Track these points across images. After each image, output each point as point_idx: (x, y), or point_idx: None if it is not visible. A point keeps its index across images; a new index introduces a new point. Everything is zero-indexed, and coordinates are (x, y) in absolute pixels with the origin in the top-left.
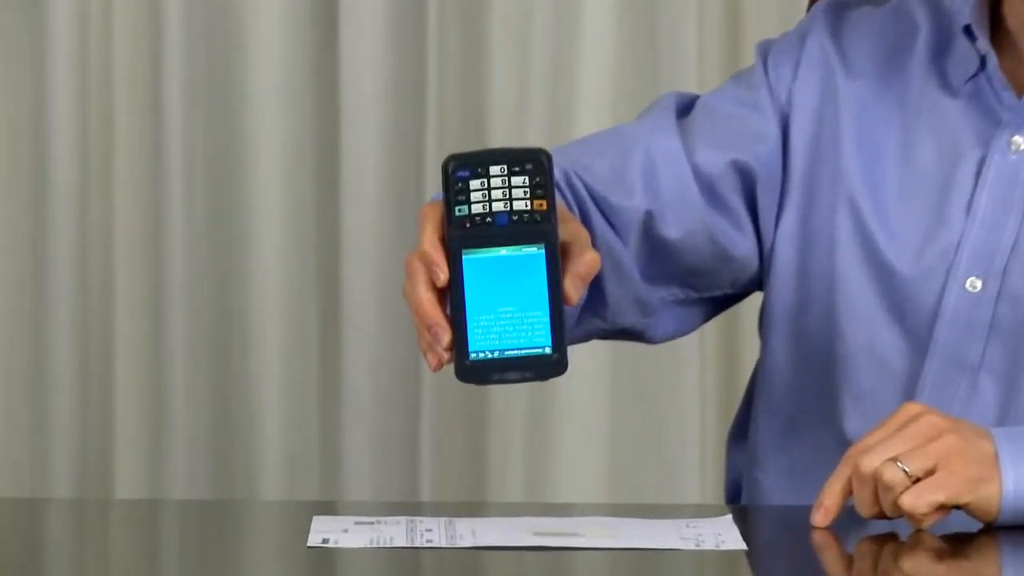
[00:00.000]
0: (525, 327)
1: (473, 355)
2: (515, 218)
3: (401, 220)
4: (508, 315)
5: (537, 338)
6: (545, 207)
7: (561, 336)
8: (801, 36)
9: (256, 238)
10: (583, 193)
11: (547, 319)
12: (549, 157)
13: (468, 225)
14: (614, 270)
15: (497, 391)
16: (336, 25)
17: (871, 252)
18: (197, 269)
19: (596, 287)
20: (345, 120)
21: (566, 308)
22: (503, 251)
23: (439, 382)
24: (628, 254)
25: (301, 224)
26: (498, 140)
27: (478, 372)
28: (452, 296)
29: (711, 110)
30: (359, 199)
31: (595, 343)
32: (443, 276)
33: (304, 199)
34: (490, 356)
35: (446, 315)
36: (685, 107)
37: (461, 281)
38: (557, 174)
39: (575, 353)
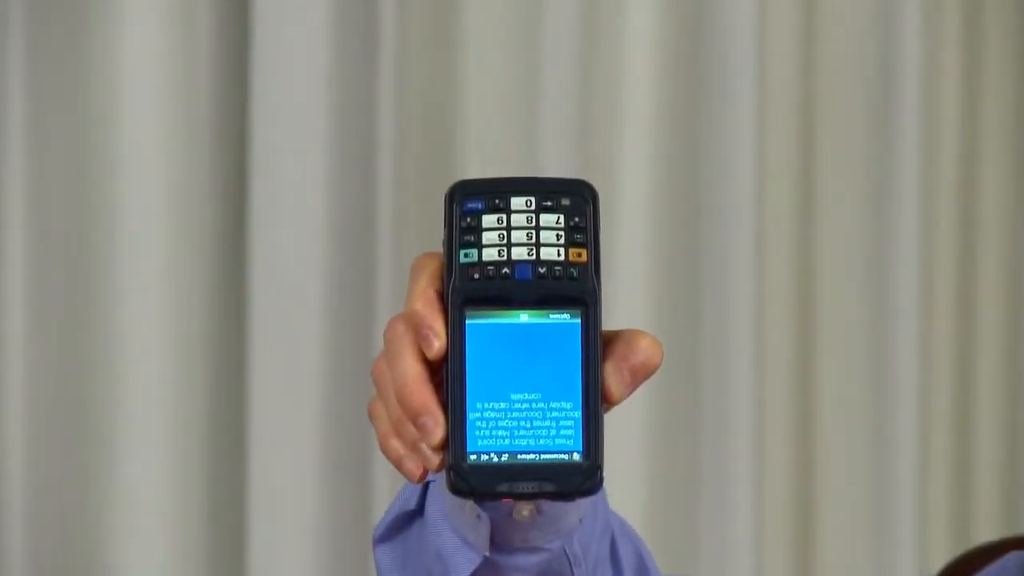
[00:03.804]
0: (547, 424)
1: (473, 457)
2: (542, 271)
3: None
4: (525, 406)
5: (562, 439)
6: (585, 258)
7: (596, 440)
8: None
9: (121, 307)
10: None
11: (578, 414)
12: (595, 193)
13: (477, 276)
14: None
15: None
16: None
17: None
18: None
19: None
20: (256, 146)
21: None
22: (523, 316)
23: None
24: None
25: (191, 302)
26: (475, 171)
27: (479, 481)
28: (449, 374)
29: None
30: (273, 269)
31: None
32: (438, 343)
33: (196, 276)
34: (496, 460)
35: (440, 401)
36: None
37: (462, 353)
38: None
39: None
